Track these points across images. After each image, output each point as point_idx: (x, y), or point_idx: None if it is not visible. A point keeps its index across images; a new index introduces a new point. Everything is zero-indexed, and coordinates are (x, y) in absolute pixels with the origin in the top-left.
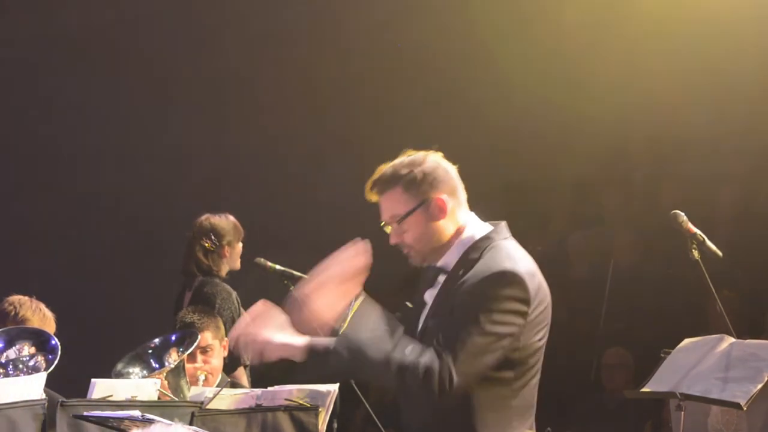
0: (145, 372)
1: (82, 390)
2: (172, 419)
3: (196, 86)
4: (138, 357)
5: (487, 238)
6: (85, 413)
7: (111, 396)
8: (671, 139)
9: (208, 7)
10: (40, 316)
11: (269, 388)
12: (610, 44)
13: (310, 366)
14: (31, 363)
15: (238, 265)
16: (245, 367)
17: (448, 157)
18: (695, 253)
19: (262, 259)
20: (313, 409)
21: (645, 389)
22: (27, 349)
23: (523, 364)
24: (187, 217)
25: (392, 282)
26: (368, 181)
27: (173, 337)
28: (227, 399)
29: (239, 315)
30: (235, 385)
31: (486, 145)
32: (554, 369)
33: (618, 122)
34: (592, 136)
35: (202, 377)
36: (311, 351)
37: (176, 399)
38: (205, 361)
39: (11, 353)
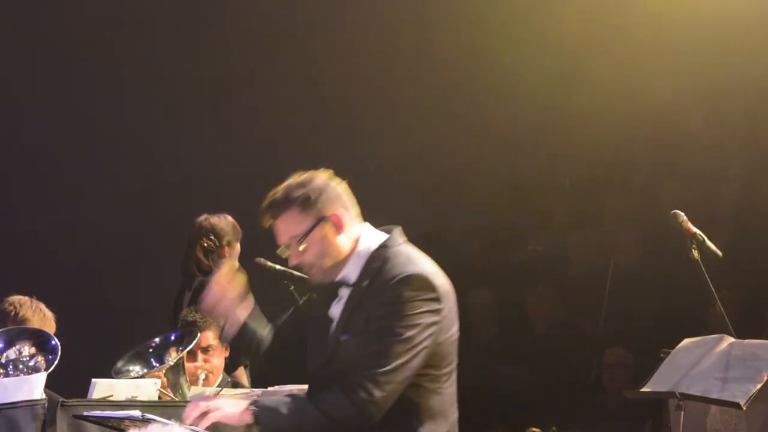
0: (144, 370)
1: (82, 390)
2: (172, 419)
3: (196, 86)
4: (138, 355)
5: (384, 246)
6: (85, 413)
7: (111, 396)
8: (671, 139)
9: (208, 7)
10: (40, 316)
11: (269, 388)
12: (611, 44)
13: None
14: (31, 363)
15: (236, 265)
16: (245, 367)
17: (453, 158)
18: (695, 253)
19: (262, 259)
20: None
21: (645, 389)
22: (27, 350)
23: (444, 358)
24: (186, 217)
25: None
26: (261, 207)
27: (173, 336)
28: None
29: None
30: (236, 384)
31: (486, 146)
32: (554, 369)
33: (618, 122)
34: (592, 136)
35: (202, 376)
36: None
37: (176, 398)
38: (205, 360)
39: (11, 353)
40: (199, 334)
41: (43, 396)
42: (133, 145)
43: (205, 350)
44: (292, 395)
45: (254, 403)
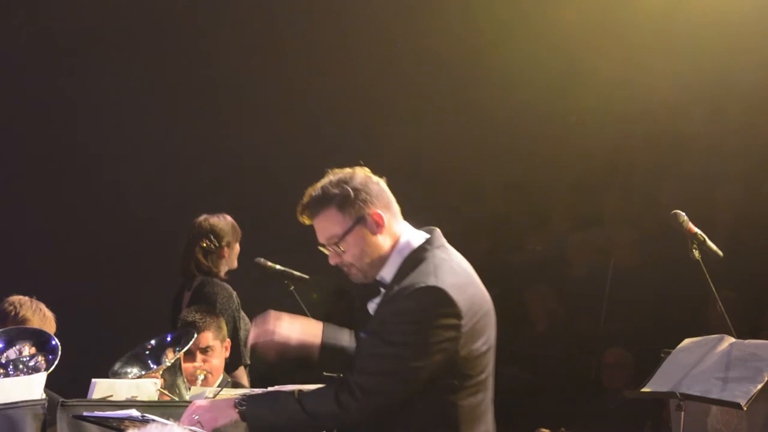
0: (142, 371)
1: (82, 390)
2: (171, 419)
3: (196, 86)
4: (135, 357)
5: (422, 249)
6: (85, 413)
7: (111, 396)
8: (671, 139)
9: (208, 6)
10: (40, 316)
11: (269, 388)
12: (610, 44)
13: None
14: (32, 363)
15: (235, 264)
16: (245, 366)
17: (453, 158)
18: (696, 253)
19: (262, 259)
20: None
21: (645, 389)
22: (27, 350)
23: (466, 372)
24: (186, 217)
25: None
26: (298, 206)
27: (169, 337)
28: None
29: (239, 315)
30: (236, 384)
31: (486, 145)
32: (554, 369)
33: (618, 122)
34: (592, 136)
35: (201, 377)
36: (324, 348)
37: (176, 398)
38: (204, 361)
39: (11, 353)
40: (196, 335)
41: (43, 396)
42: (133, 145)
43: (204, 351)
44: (277, 392)
45: (240, 401)
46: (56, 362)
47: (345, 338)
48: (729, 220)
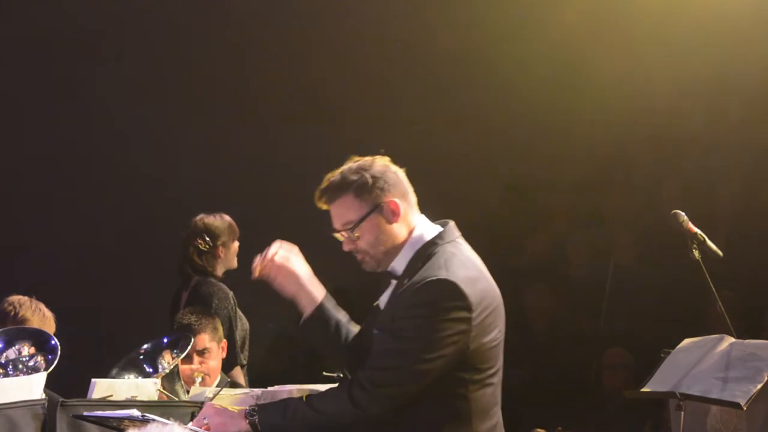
0: (139, 377)
1: (82, 390)
2: (171, 419)
3: (196, 85)
4: (131, 362)
5: (433, 243)
6: (85, 413)
7: (111, 396)
8: (671, 139)
9: (207, 6)
10: (40, 316)
11: (269, 388)
12: (610, 44)
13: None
14: (31, 363)
15: (234, 263)
16: (242, 366)
17: (453, 158)
18: (696, 253)
19: None
20: None
21: (645, 389)
22: (26, 350)
23: (477, 366)
24: (186, 217)
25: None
26: (316, 190)
27: (165, 340)
28: (227, 399)
29: (236, 315)
30: (234, 384)
31: (486, 145)
32: (554, 369)
33: (618, 122)
34: (592, 136)
35: (198, 379)
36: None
37: (176, 399)
38: (201, 363)
39: (11, 353)
40: (192, 339)
41: (43, 396)
42: (132, 145)
43: (201, 353)
44: (287, 399)
45: (250, 412)
46: (56, 362)
47: (341, 316)
48: (729, 220)
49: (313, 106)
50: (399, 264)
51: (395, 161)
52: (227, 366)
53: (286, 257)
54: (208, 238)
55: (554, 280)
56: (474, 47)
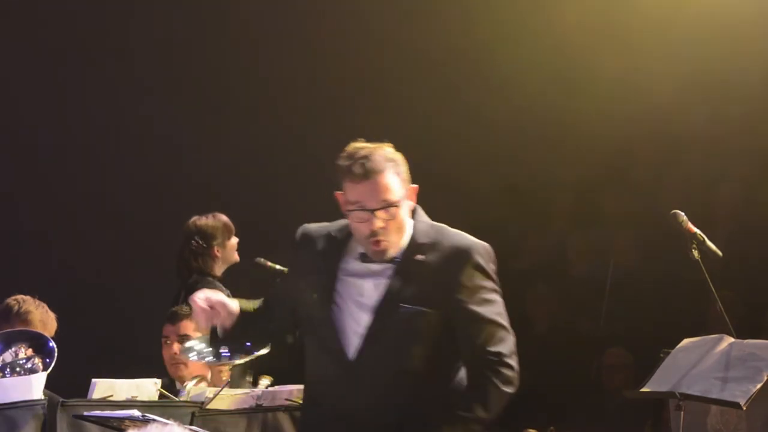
0: (213, 358)
1: (82, 390)
2: (171, 419)
3: (195, 85)
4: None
5: (422, 221)
6: (85, 413)
7: (111, 396)
8: (671, 139)
9: (207, 6)
10: (43, 311)
11: (269, 388)
12: (610, 44)
13: None
14: (28, 365)
15: (234, 258)
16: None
17: (453, 157)
18: (695, 253)
19: (262, 259)
20: None
21: (645, 389)
22: (23, 352)
23: None
24: (186, 217)
25: None
26: (359, 155)
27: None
28: (227, 399)
29: None
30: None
31: (486, 146)
32: (554, 369)
33: (618, 122)
34: (592, 136)
35: (191, 383)
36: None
37: (176, 399)
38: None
39: (8, 356)
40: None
41: (44, 396)
42: (133, 145)
43: (182, 339)
44: (438, 423)
45: None
46: (53, 365)
47: (251, 303)
48: (729, 220)
49: (313, 106)
50: (396, 249)
51: None
52: None
53: (209, 297)
54: (201, 241)
55: (554, 281)
56: (475, 47)
